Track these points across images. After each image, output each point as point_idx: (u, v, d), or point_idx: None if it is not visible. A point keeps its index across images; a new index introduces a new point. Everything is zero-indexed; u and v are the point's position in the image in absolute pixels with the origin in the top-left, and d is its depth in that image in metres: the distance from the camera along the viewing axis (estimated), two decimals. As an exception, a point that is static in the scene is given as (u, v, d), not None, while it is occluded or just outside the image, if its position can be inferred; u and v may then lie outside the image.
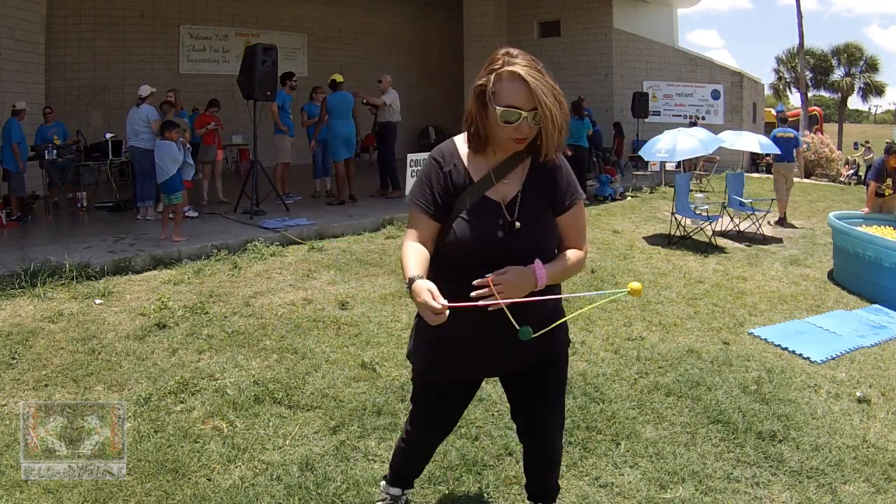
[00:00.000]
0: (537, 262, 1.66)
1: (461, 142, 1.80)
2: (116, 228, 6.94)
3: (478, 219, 1.72)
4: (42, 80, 9.34)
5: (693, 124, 12.96)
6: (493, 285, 1.57)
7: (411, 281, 1.56)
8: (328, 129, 8.62)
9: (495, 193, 1.75)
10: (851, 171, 15.82)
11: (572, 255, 1.78)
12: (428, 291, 1.51)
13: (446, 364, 1.86)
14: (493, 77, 1.63)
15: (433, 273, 1.69)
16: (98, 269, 5.21)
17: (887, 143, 7.03)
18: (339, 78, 8.68)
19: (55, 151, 8.07)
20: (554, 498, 2.11)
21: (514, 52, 1.66)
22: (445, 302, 1.50)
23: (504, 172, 1.75)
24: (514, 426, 2.07)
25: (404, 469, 2.18)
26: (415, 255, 1.67)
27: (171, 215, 6.35)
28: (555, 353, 1.91)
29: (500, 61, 1.64)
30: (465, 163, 1.78)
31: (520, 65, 1.61)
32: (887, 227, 6.19)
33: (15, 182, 7.56)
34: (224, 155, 11.29)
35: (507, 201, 1.74)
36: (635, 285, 1.64)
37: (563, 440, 2.07)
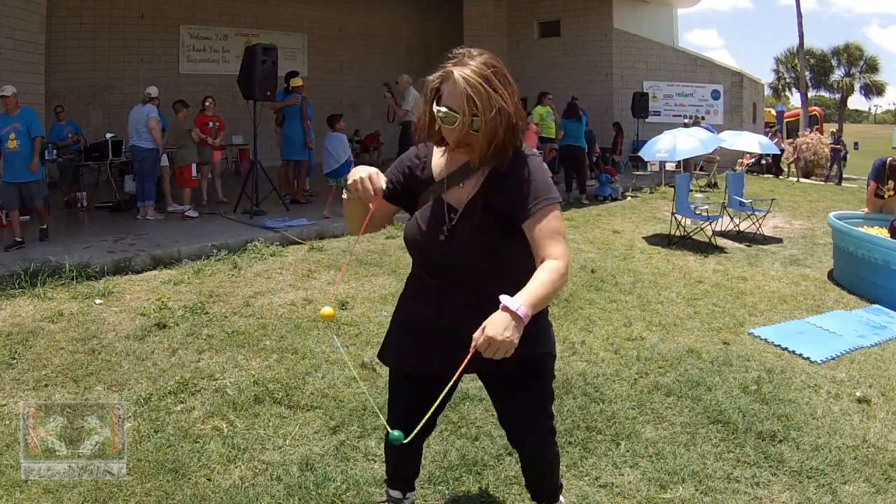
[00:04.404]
0: (504, 298, 1.48)
1: None
2: (116, 228, 6.94)
3: (426, 220, 1.72)
4: (42, 80, 9.33)
5: (695, 123, 13.01)
6: (481, 350, 1.46)
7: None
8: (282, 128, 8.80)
9: (451, 197, 1.72)
10: (752, 161, 15.45)
11: (545, 272, 1.56)
12: (378, 173, 1.57)
13: (398, 353, 1.89)
14: (441, 75, 1.62)
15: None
16: (98, 269, 5.22)
17: None
18: (294, 82, 8.74)
19: (55, 151, 8.06)
20: (555, 498, 2.10)
21: (475, 52, 1.63)
22: (382, 185, 1.56)
23: (461, 176, 1.71)
24: None
25: (390, 468, 2.17)
26: None
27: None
28: (522, 357, 1.75)
29: (454, 60, 1.62)
30: (433, 161, 1.77)
31: (469, 66, 1.57)
32: (882, 227, 6.18)
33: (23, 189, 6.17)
34: (224, 155, 11.31)
35: (462, 207, 1.70)
36: (326, 310, 1.67)
37: (557, 442, 2.04)
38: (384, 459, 2.21)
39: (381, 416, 1.58)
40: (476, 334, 1.47)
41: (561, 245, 1.61)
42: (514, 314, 1.46)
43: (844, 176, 16.66)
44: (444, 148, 1.76)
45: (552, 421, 1.97)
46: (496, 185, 1.69)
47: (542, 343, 1.85)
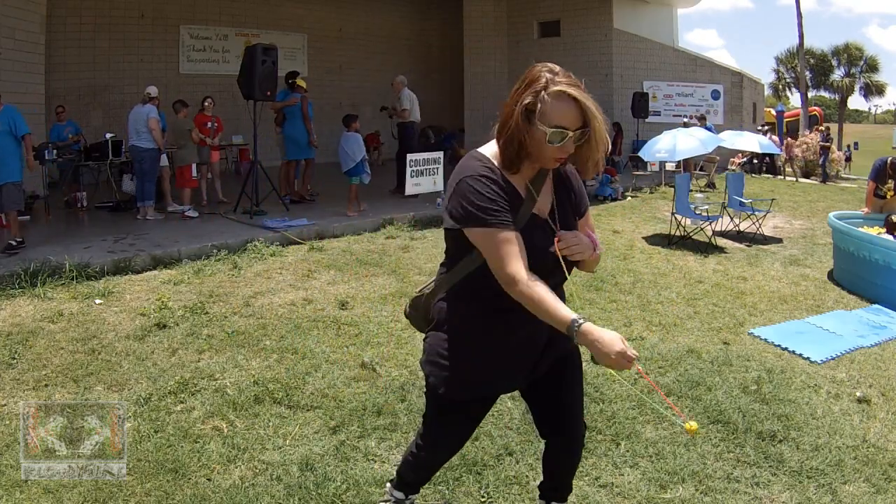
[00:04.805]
0: (590, 233, 1.77)
1: (493, 158, 1.71)
2: (116, 228, 6.94)
3: (533, 235, 1.69)
4: (42, 80, 9.33)
5: (701, 119, 13.17)
6: (563, 242, 1.67)
7: (577, 323, 1.51)
8: (283, 128, 8.82)
9: (536, 208, 1.74)
10: (745, 160, 15.25)
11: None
12: (621, 340, 1.49)
13: (486, 379, 1.83)
14: (541, 95, 1.59)
15: (469, 293, 1.75)
16: (98, 269, 5.22)
17: None
18: (299, 82, 8.78)
19: (55, 151, 8.05)
20: (567, 497, 2.11)
21: (556, 69, 1.64)
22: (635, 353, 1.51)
23: (538, 186, 1.74)
24: (532, 428, 2.10)
25: (412, 479, 2.18)
26: (553, 294, 1.59)
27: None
28: (574, 348, 1.91)
29: (545, 79, 1.61)
30: (511, 179, 1.72)
31: (565, 83, 1.60)
32: (882, 227, 6.18)
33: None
34: (223, 155, 11.31)
35: (547, 214, 1.76)
36: (693, 425, 1.55)
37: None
38: (399, 466, 2.18)
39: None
40: (563, 233, 1.69)
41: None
42: (595, 245, 1.74)
43: (843, 175, 16.64)
44: (503, 167, 1.71)
45: None
46: (563, 187, 1.81)
47: None
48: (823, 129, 17.39)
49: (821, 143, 15.86)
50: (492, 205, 1.62)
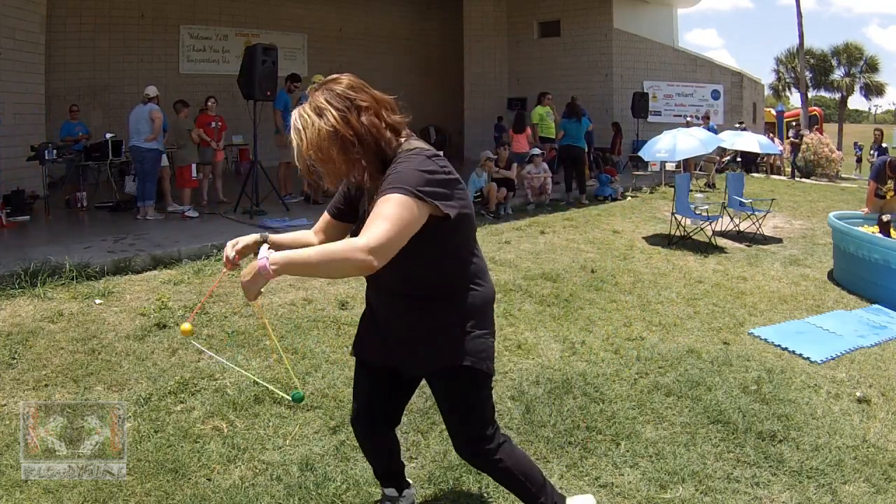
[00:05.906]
0: (264, 249, 1.65)
1: None
2: (116, 228, 6.94)
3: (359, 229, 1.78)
4: (42, 80, 9.33)
5: (706, 117, 13.16)
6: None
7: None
8: None
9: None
10: (728, 158, 15.14)
11: (331, 245, 1.54)
12: (231, 245, 1.78)
13: (355, 341, 2.02)
14: None
15: None
16: (98, 269, 5.21)
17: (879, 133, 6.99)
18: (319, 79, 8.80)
19: (55, 151, 8.05)
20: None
21: (325, 80, 1.71)
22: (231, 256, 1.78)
23: (374, 190, 1.67)
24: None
25: (372, 466, 2.19)
26: (303, 244, 1.84)
27: None
28: (435, 367, 1.81)
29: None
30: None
31: (308, 99, 1.68)
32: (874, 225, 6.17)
33: None
34: (224, 155, 11.31)
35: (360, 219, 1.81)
36: (185, 327, 1.80)
37: (504, 458, 1.94)
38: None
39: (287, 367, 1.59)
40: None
41: (375, 228, 1.50)
42: (259, 265, 1.54)
43: (843, 175, 16.63)
44: None
45: (486, 439, 1.88)
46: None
47: (457, 356, 1.77)
48: (795, 125, 17.44)
49: (791, 140, 15.86)
50: (336, 196, 1.93)
